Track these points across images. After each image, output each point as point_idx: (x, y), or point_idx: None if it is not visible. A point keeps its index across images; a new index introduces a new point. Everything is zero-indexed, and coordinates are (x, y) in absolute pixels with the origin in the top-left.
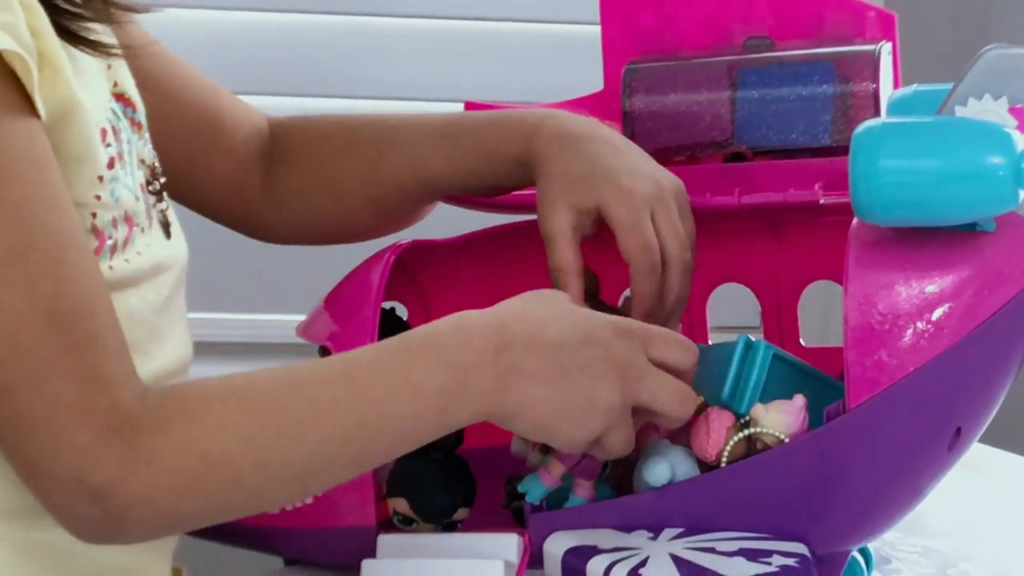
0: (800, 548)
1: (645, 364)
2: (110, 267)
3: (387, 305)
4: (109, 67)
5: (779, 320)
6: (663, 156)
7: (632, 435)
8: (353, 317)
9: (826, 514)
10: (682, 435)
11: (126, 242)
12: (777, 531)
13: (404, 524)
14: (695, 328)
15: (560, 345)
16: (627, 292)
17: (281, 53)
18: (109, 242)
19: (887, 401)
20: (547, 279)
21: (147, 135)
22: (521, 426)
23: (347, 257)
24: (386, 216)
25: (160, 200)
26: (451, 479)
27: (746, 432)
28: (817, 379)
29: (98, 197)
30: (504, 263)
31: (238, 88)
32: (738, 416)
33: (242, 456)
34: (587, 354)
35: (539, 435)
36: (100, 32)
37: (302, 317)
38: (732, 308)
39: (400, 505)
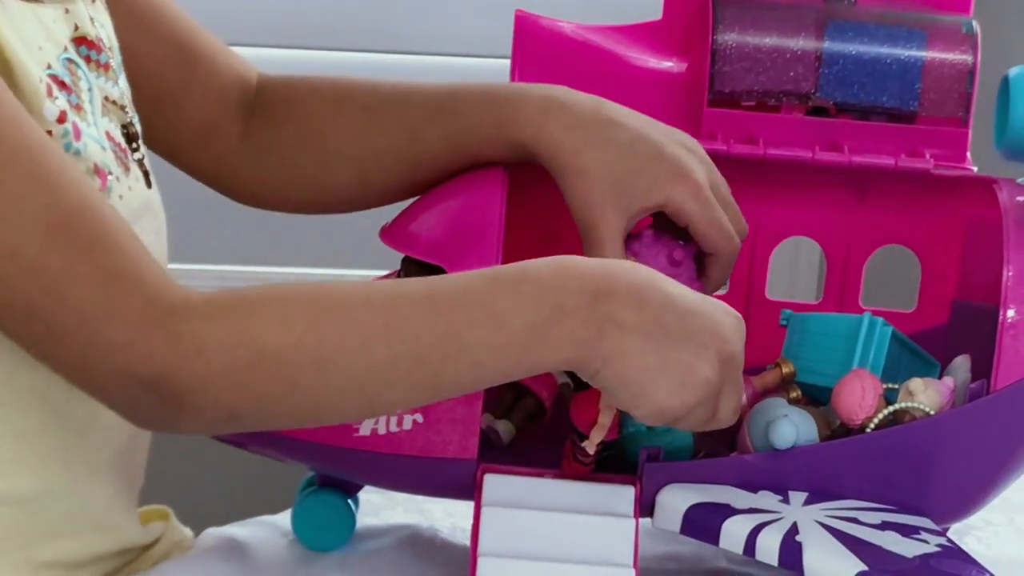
0: (928, 523)
1: (741, 356)
2: None
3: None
4: (67, 11)
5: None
6: (741, 100)
7: (736, 406)
8: (472, 238)
9: (947, 489)
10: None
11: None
12: (896, 502)
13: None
14: None
15: (666, 305)
16: None
17: None
18: None
19: None
20: None
21: (122, 77)
22: (609, 381)
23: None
24: (370, 184)
25: (136, 149)
26: None
27: (901, 405)
28: (914, 353)
29: None
30: None
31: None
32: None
33: (300, 355)
34: (694, 323)
35: (625, 394)
36: None
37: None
38: None
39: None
